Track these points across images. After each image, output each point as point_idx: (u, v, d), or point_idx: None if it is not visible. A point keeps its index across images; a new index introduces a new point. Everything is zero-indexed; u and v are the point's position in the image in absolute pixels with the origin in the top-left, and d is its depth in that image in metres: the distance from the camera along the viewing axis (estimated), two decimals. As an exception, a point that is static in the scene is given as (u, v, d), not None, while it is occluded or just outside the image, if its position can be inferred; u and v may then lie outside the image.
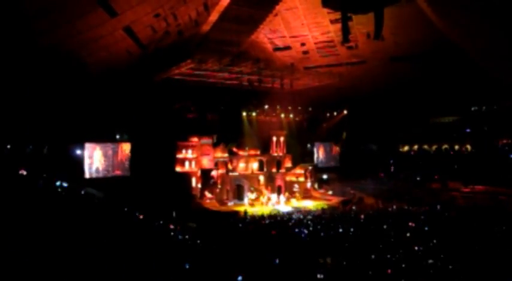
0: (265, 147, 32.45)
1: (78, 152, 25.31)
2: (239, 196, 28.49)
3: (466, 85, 28.14)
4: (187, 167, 28.38)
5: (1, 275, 7.26)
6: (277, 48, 29.71)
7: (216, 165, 29.32)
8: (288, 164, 32.61)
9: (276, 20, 26.83)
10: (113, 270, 8.18)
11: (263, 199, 28.16)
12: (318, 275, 9.54)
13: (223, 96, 29.41)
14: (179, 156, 28.35)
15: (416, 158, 35.18)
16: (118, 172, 26.20)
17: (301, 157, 34.40)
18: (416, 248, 13.16)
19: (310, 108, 34.68)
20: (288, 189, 30.60)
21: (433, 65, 27.05)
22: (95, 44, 21.10)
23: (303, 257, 12.26)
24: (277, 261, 10.37)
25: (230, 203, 27.54)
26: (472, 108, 32.84)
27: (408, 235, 15.60)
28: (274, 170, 31.65)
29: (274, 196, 28.36)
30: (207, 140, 29.01)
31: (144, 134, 26.95)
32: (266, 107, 32.06)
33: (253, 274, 9.18)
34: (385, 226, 17.26)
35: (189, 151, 28.64)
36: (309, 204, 27.43)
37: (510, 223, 16.88)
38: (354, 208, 25.24)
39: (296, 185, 30.93)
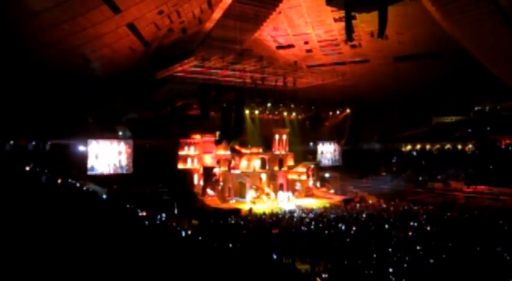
0: (267, 145, 32.40)
1: (81, 148, 25.37)
2: (241, 193, 28.50)
3: (469, 85, 28.07)
4: (189, 164, 28.41)
5: (6, 271, 7.29)
6: (280, 47, 29.71)
7: (218, 162, 29.32)
8: (290, 162, 32.55)
9: (279, 18, 26.82)
10: (114, 267, 8.20)
11: (264, 197, 28.18)
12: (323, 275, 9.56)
13: (226, 94, 29.37)
14: (181, 153, 28.35)
15: (418, 158, 35.11)
16: (120, 169, 26.25)
17: (304, 155, 34.34)
18: (417, 247, 13.17)
19: (313, 107, 34.57)
20: (290, 187, 30.56)
21: (436, 64, 26.98)
22: (98, 41, 21.10)
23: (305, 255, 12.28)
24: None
25: (232, 201, 27.56)
26: (475, 108, 32.76)
27: (410, 234, 15.62)
28: (276, 168, 31.61)
29: (279, 194, 28.25)
30: (209, 138, 29.03)
31: (146, 131, 26.92)
32: (269, 105, 31.98)
33: (254, 273, 9.19)
34: (386, 225, 17.27)
35: (192, 148, 28.62)
36: (311, 202, 27.39)
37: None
38: (357, 205, 25.23)
39: (298, 184, 30.88)
